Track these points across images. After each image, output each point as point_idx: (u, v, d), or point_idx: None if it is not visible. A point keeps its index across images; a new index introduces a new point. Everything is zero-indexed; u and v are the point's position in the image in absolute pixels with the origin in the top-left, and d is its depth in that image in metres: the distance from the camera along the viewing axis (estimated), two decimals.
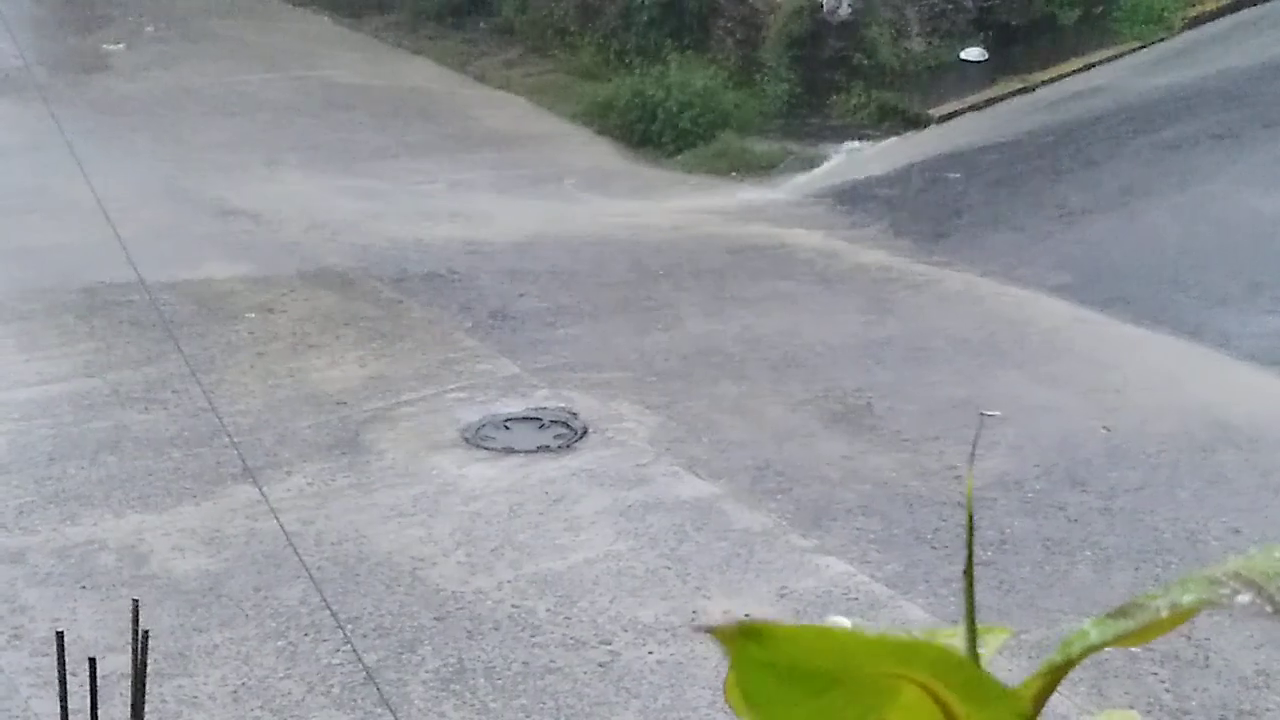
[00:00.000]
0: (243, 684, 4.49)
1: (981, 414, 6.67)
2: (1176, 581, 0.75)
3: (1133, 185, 10.18)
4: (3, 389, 7.04)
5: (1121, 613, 0.75)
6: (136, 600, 1.40)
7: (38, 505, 5.76)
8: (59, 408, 6.78)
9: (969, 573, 0.80)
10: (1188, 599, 0.73)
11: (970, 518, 0.84)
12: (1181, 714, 4.29)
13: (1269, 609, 0.71)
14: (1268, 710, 4.32)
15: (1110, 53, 13.73)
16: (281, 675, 4.54)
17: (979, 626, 0.83)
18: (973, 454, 6.58)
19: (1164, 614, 0.74)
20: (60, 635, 1.70)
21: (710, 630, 0.69)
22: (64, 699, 1.71)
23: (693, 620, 4.86)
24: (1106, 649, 0.76)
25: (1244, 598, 0.72)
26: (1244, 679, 4.48)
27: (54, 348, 7.63)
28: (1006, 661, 4.43)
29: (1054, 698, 0.83)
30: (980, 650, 0.83)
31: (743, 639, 0.70)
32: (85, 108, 14.69)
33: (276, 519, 5.56)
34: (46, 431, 6.50)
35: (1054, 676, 0.76)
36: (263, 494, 5.82)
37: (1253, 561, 0.75)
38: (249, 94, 15.35)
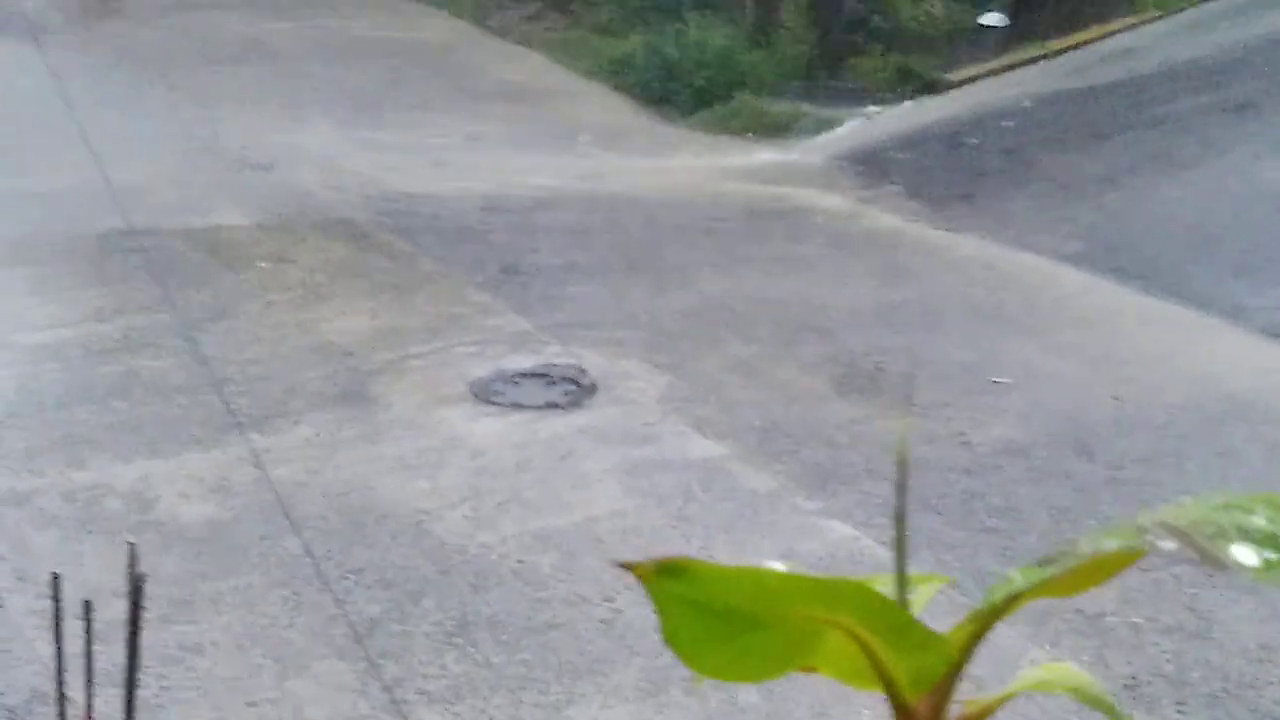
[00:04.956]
0: (246, 632, 4.51)
1: (991, 381, 6.66)
2: (1104, 528, 0.74)
3: (1149, 155, 10.14)
4: (14, 332, 7.05)
5: (1048, 560, 0.74)
6: (133, 543, 1.39)
7: (46, 449, 5.77)
8: (70, 351, 6.79)
9: (900, 518, 0.79)
10: (1111, 544, 0.72)
11: (902, 463, 0.83)
12: (1182, 684, 4.29)
13: (1194, 555, 0.70)
14: (1269, 683, 4.32)
15: (1130, 21, 13.68)
16: (285, 624, 4.55)
17: (914, 575, 0.83)
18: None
19: (1088, 559, 0.73)
20: (56, 577, 1.70)
21: (628, 567, 0.68)
22: (59, 641, 1.72)
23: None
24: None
25: (1168, 544, 0.71)
26: (1245, 651, 4.48)
27: (66, 291, 7.64)
28: (1010, 629, 4.43)
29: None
30: (910, 598, 0.82)
31: (662, 577, 0.69)
32: (100, 54, 14.67)
33: (261, 472, 5.57)
34: (57, 375, 6.51)
35: (981, 624, 0.75)
36: (250, 449, 5.82)
37: (1183, 510, 0.74)
38: (266, 43, 15.33)
